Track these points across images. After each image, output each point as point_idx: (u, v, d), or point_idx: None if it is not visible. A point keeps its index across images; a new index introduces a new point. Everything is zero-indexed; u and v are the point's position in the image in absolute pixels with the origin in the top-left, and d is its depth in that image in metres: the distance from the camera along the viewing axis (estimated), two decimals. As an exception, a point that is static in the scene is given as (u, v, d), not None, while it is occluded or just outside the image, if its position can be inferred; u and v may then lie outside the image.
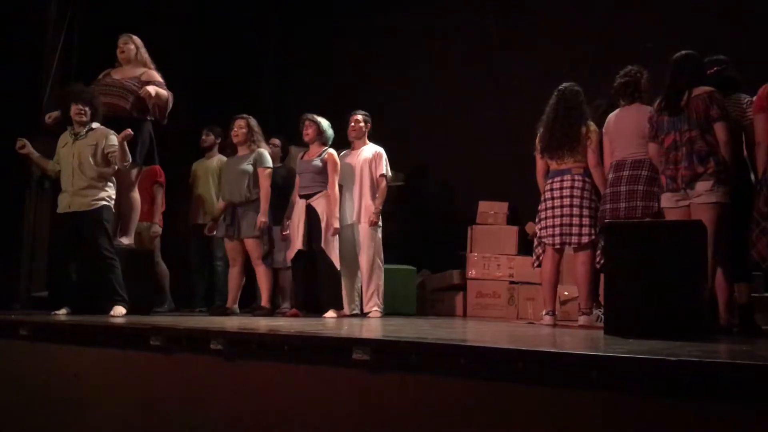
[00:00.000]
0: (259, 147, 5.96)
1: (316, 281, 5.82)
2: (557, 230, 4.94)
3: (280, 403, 3.18)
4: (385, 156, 5.98)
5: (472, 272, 6.88)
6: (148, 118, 5.66)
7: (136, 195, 5.66)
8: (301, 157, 6.05)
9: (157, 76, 5.64)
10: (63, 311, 4.92)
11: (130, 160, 5.26)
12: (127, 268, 5.11)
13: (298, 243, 5.78)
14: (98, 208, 5.04)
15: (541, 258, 5.08)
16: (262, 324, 4.44)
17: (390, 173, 6.03)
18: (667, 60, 4.48)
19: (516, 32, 7.42)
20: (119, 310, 4.88)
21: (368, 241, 5.84)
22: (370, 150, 6.01)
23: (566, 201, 4.93)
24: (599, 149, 4.92)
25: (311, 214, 5.78)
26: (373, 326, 4.53)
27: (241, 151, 5.99)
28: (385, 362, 2.91)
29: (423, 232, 7.36)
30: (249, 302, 6.31)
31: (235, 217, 5.86)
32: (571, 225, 4.90)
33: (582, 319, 4.87)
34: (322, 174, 5.81)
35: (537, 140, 5.13)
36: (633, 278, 3.63)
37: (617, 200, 4.65)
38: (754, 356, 2.68)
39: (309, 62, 8.42)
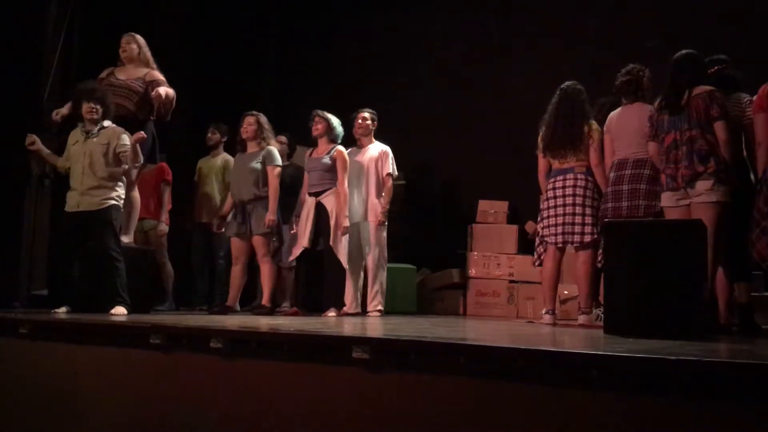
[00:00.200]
0: (268, 144, 5.94)
1: (318, 280, 5.82)
2: (560, 229, 4.94)
3: (279, 401, 3.18)
4: (391, 155, 5.99)
5: (472, 271, 6.89)
6: (151, 118, 5.68)
7: (136, 194, 5.67)
8: (310, 155, 6.02)
9: (160, 76, 5.65)
10: (63, 309, 4.92)
11: (142, 161, 5.29)
12: (128, 266, 5.10)
13: (304, 241, 5.77)
14: (107, 208, 5.03)
15: (542, 257, 5.08)
16: (262, 323, 4.44)
17: (396, 172, 6.04)
18: (667, 60, 4.49)
19: (516, 32, 7.42)
20: (120, 310, 4.87)
21: (375, 240, 5.85)
22: (376, 148, 6.02)
23: (569, 200, 4.93)
24: (601, 148, 4.92)
25: (321, 211, 5.77)
26: (373, 325, 4.53)
27: (251, 148, 5.97)
28: (385, 361, 2.91)
29: (423, 230, 7.36)
30: (249, 301, 6.31)
31: (244, 214, 5.85)
32: (573, 224, 4.90)
33: (582, 318, 4.87)
34: (331, 171, 5.79)
35: (539, 139, 5.13)
36: (633, 277, 3.63)
37: (619, 199, 4.65)
38: (753, 355, 2.68)
39: (309, 62, 8.42)
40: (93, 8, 6.69)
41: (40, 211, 6.17)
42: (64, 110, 5.48)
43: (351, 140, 6.12)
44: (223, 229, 6.05)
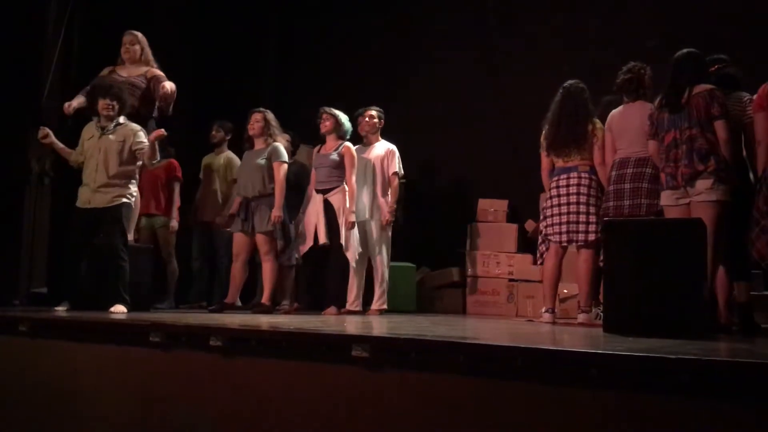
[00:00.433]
0: (275, 141, 5.93)
1: (321, 278, 5.81)
2: (564, 228, 4.94)
3: (279, 400, 3.18)
4: (397, 154, 6.00)
5: (471, 270, 6.89)
6: (153, 115, 5.70)
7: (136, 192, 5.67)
8: (318, 151, 6.01)
9: (160, 73, 5.66)
10: (62, 307, 4.92)
11: (159, 159, 5.30)
12: (129, 263, 5.10)
13: (311, 239, 5.77)
14: (118, 206, 5.04)
15: (544, 255, 5.08)
16: (262, 321, 4.44)
17: (402, 171, 6.03)
18: (667, 60, 4.48)
19: (516, 31, 7.42)
20: (120, 308, 4.87)
21: (381, 239, 5.86)
22: (382, 147, 6.02)
23: (573, 198, 4.93)
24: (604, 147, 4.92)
25: (328, 209, 5.76)
26: (373, 323, 4.54)
27: (258, 144, 5.96)
28: (384, 359, 2.91)
29: (423, 229, 7.36)
30: (248, 299, 6.31)
31: (248, 211, 5.84)
32: (578, 223, 4.90)
33: (581, 317, 4.86)
34: (339, 168, 5.78)
35: (542, 138, 5.13)
36: (633, 276, 3.63)
37: (621, 197, 4.64)
38: (753, 354, 2.68)
39: (309, 62, 8.42)
40: (93, 7, 6.70)
41: (40, 209, 6.18)
42: (75, 103, 5.45)
43: (355, 138, 6.12)
44: (230, 227, 6.04)
